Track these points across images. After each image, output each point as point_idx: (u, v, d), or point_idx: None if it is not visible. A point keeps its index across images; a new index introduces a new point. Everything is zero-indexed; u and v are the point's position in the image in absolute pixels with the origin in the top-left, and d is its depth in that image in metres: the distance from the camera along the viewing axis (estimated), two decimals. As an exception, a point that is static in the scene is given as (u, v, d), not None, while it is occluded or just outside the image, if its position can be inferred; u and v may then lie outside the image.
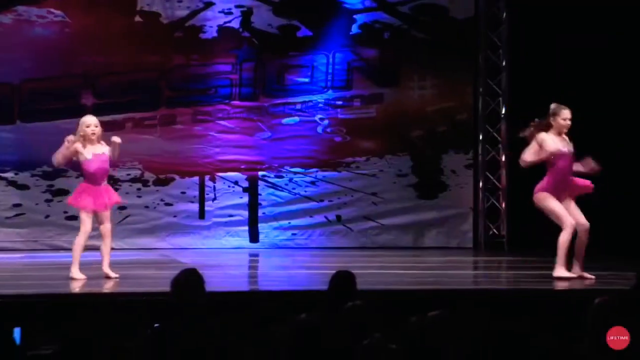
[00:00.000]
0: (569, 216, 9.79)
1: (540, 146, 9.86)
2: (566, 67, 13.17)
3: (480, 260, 13.15)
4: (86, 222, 9.83)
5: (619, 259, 11.34)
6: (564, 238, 9.75)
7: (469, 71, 14.07)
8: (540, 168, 10.48)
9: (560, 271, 9.78)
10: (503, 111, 14.04)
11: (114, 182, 13.47)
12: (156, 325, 5.97)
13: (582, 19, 13.07)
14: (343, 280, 6.28)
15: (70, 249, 9.56)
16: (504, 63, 14.00)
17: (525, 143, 10.05)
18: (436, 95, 14.02)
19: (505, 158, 13.98)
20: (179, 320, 5.91)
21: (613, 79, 12.96)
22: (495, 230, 14.04)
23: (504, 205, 14.01)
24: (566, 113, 9.90)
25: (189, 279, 6.08)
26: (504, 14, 14.01)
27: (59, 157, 10.08)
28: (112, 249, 10.18)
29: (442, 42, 13.90)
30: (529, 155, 9.93)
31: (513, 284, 10.61)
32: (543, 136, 9.87)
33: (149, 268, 11.16)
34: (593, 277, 9.79)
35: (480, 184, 14.04)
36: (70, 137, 10.01)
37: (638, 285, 6.69)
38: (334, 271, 6.53)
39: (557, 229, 9.97)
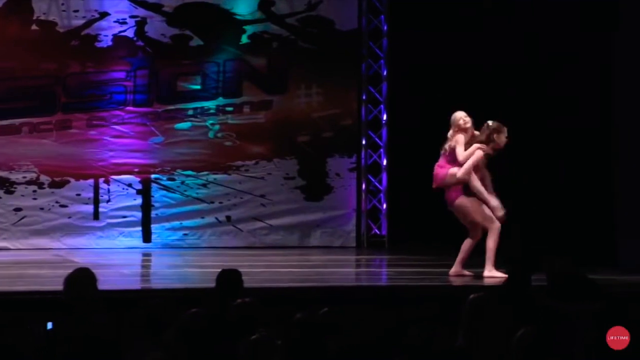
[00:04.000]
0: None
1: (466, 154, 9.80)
2: (440, 77, 13.30)
3: (362, 258, 13.20)
4: None
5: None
6: (495, 241, 9.78)
7: (352, 80, 14.11)
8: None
9: (492, 271, 9.80)
10: (384, 118, 14.14)
11: (9, 184, 13.24)
12: (49, 323, 5.83)
13: (454, 35, 13.22)
14: (229, 278, 6.21)
15: None
16: (385, 73, 14.10)
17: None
18: (322, 103, 14.03)
19: (387, 162, 14.09)
20: (71, 318, 5.78)
21: (480, 89, 13.13)
22: (376, 230, 14.11)
23: (385, 206, 14.09)
24: (506, 131, 9.87)
25: (81, 277, 5.97)
26: (385, 27, 14.12)
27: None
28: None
29: (327, 53, 13.93)
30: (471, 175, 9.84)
31: (393, 281, 10.65)
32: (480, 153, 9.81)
33: (44, 268, 10.93)
34: (471, 274, 9.86)
35: (363, 186, 14.10)
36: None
37: (509, 282, 6.76)
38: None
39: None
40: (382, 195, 14.13)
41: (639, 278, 9.86)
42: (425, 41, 13.41)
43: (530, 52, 12.77)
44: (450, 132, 9.96)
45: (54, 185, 13.37)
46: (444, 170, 9.89)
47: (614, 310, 5.79)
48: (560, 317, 6.04)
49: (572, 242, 11.70)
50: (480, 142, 9.79)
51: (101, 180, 13.49)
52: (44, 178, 13.30)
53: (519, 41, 12.84)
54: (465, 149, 9.80)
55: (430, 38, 13.35)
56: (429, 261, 10.34)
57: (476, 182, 9.77)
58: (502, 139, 9.80)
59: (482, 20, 13.12)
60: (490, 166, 9.96)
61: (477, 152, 9.77)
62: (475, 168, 9.78)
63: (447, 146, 9.94)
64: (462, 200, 9.79)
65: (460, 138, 9.83)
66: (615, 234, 11.23)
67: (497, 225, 9.73)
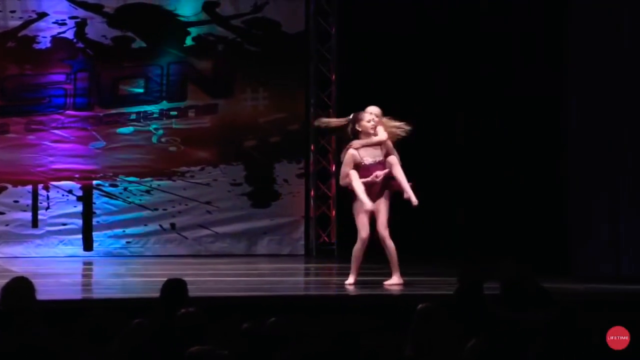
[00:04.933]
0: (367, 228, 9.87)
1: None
2: (390, 80, 13.39)
3: (311, 267, 13.23)
4: None
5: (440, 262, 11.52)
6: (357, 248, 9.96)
7: (300, 83, 14.14)
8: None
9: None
10: (333, 122, 14.18)
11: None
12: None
13: (403, 38, 13.33)
14: (174, 287, 6.22)
15: None
16: (333, 76, 14.15)
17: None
18: (269, 107, 14.05)
19: (335, 167, 14.11)
20: (9, 329, 5.76)
21: (429, 88, 13.27)
22: (326, 238, 14.14)
23: (334, 213, 14.13)
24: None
25: (19, 287, 5.95)
26: (333, 29, 14.17)
27: None
28: None
29: (274, 56, 13.95)
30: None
31: (342, 290, 10.69)
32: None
33: (-20, 277, 10.83)
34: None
35: (312, 192, 14.14)
36: None
37: (460, 290, 6.82)
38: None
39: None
40: (331, 202, 14.17)
41: (590, 287, 10.00)
42: (375, 43, 13.50)
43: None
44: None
45: (-10, 191, 13.31)
46: None
47: (565, 318, 5.87)
48: (512, 326, 6.11)
49: (527, 249, 11.83)
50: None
51: (40, 186, 13.42)
52: (-21, 184, 13.24)
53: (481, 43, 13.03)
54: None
55: (380, 40, 13.45)
56: (378, 269, 10.39)
57: None
58: (363, 124, 10.17)
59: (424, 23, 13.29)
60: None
61: None
62: None
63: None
64: None
65: None
66: (568, 242, 11.35)
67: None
